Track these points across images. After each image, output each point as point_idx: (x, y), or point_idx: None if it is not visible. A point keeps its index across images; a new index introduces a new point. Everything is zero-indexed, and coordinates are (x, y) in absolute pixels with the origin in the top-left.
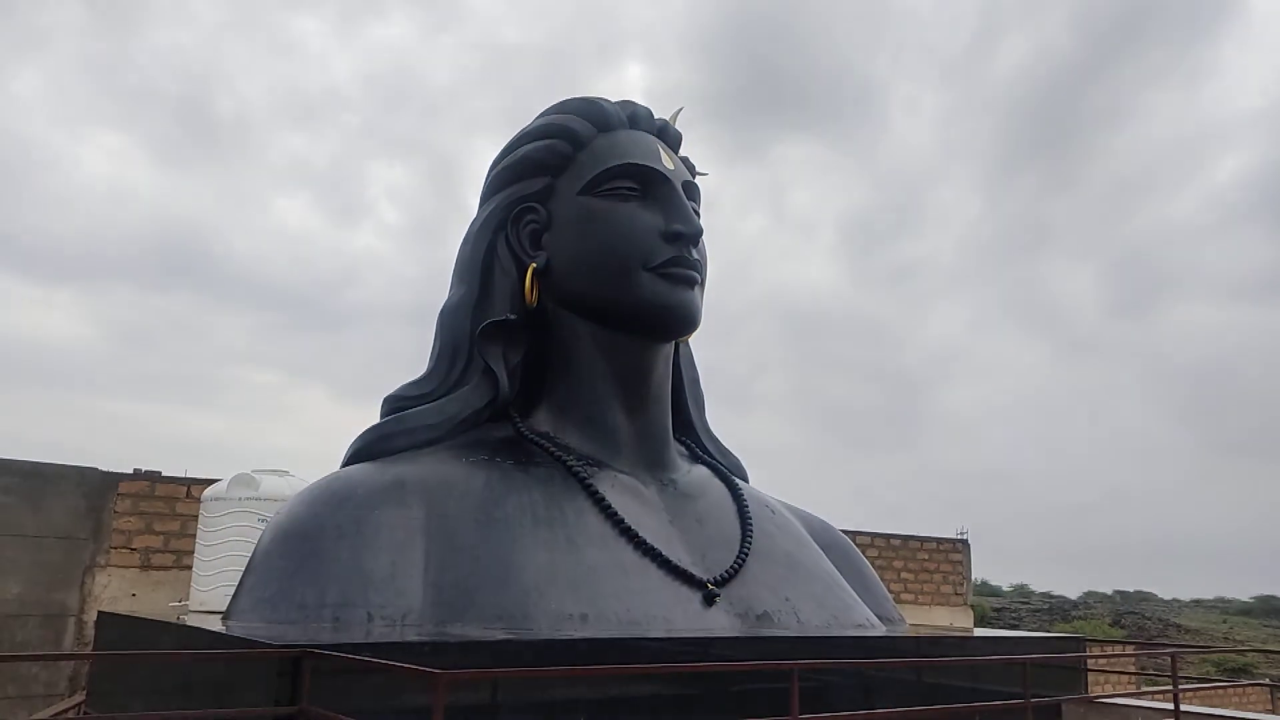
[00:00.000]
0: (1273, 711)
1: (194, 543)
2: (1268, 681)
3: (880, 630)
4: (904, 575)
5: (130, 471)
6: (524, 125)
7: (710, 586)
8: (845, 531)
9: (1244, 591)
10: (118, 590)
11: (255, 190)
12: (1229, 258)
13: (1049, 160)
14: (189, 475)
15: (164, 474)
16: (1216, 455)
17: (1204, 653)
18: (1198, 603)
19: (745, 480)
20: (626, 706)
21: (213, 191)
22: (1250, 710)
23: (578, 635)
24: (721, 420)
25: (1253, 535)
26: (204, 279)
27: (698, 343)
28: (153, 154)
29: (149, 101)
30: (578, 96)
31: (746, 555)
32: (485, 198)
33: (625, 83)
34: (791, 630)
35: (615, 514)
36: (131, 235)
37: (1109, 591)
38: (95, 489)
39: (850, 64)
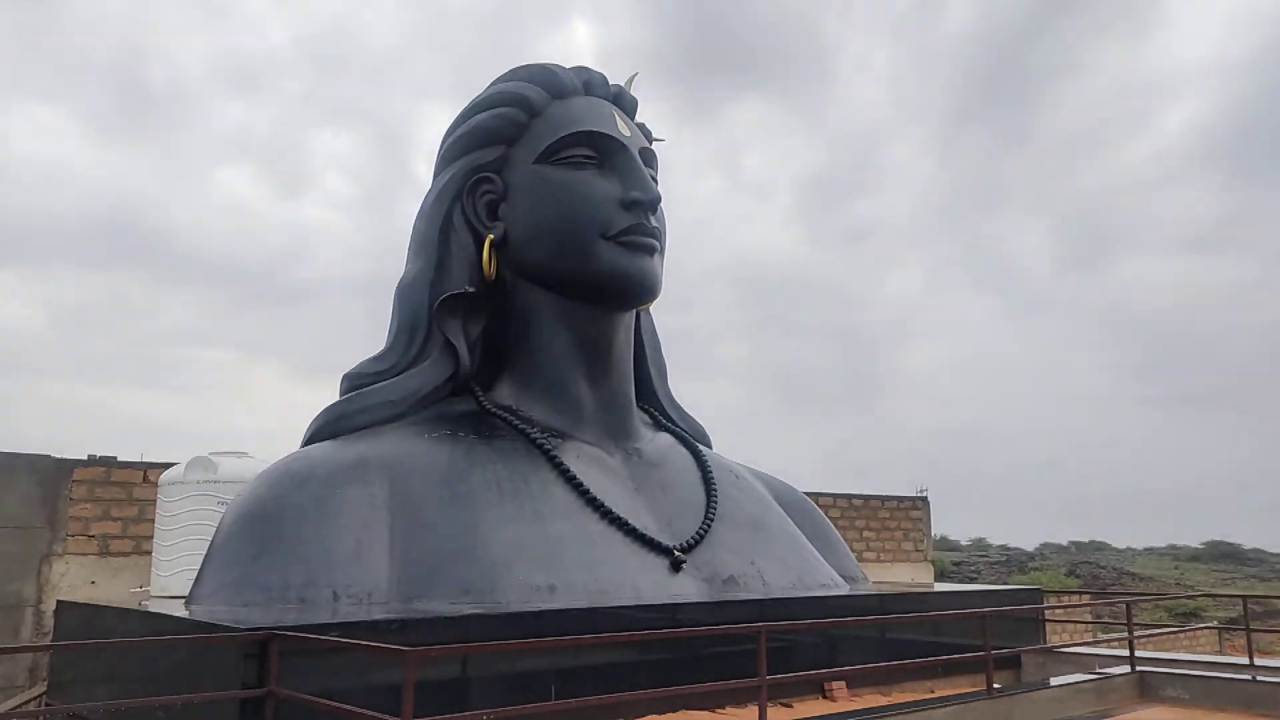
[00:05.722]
0: (1221, 652)
1: (153, 528)
2: (1216, 624)
3: (844, 589)
4: (866, 534)
5: (85, 457)
6: (476, 92)
7: (677, 553)
8: (808, 493)
9: (1194, 538)
10: (76, 578)
11: (195, 162)
12: (1180, 210)
13: (1000, 116)
14: (145, 459)
15: (119, 459)
16: (1167, 406)
17: (1156, 600)
18: (1150, 550)
19: (708, 446)
20: (597, 675)
21: (150, 164)
22: (1200, 652)
23: (545, 607)
24: (684, 387)
25: (1203, 483)
26: (148, 256)
27: (658, 310)
28: (87, 127)
29: (80, 72)
30: (531, 63)
31: (712, 521)
32: (439, 168)
33: (573, 42)
34: (758, 593)
35: (580, 485)
36: (69, 212)
37: (1064, 542)
38: (49, 476)
39: (800, 21)
